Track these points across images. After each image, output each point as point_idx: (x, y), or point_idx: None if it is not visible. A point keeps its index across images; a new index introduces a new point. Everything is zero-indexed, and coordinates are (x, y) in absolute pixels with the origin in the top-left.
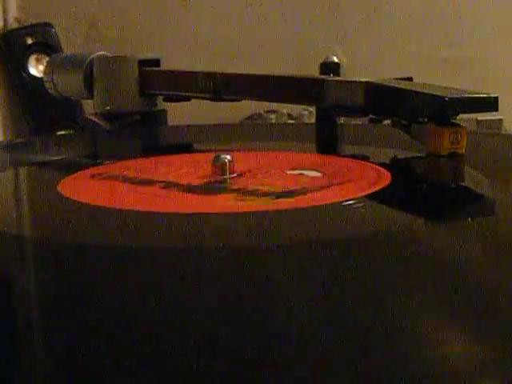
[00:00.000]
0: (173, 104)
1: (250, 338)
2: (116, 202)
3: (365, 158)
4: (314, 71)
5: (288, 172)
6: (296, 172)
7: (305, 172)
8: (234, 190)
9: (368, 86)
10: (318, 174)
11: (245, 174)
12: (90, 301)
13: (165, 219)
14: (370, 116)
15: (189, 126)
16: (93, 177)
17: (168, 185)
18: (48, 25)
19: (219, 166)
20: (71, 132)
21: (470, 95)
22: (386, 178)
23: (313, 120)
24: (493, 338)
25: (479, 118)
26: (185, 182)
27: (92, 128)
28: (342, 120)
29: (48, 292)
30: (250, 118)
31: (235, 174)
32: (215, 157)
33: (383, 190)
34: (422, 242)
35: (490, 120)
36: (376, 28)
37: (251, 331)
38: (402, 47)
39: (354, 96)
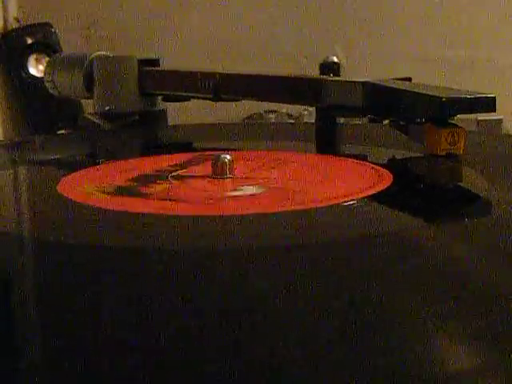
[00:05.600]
0: (173, 104)
1: (249, 342)
2: (115, 203)
3: (363, 158)
4: (314, 71)
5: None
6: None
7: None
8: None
9: (367, 86)
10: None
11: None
12: (88, 301)
13: (162, 220)
14: (369, 116)
15: (188, 125)
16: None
17: (166, 185)
18: (48, 25)
19: (219, 166)
20: (71, 132)
21: (468, 96)
22: (384, 179)
23: (312, 120)
24: (492, 338)
25: (479, 119)
26: (184, 181)
27: (91, 128)
28: (341, 120)
29: (46, 292)
30: (250, 117)
31: (233, 175)
32: (215, 157)
33: (381, 190)
34: (419, 242)
35: (490, 120)
36: (376, 28)
37: (252, 334)
38: (401, 47)
39: (353, 96)
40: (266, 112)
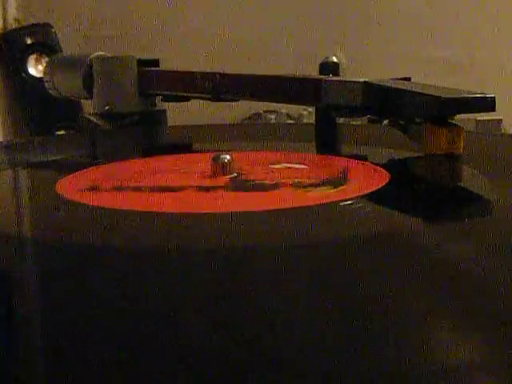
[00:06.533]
0: (172, 104)
1: (247, 341)
2: (115, 203)
3: (363, 158)
4: (313, 71)
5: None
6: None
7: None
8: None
9: (366, 86)
10: (305, 167)
11: (242, 173)
12: (86, 301)
13: (161, 219)
14: (369, 116)
15: (188, 126)
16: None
17: (166, 185)
18: (47, 25)
19: (219, 166)
20: (70, 132)
21: (467, 95)
22: (383, 178)
23: (312, 120)
24: (491, 338)
25: (478, 118)
26: (183, 182)
27: (91, 128)
28: (341, 120)
29: (45, 292)
30: (250, 118)
31: (234, 174)
32: (215, 156)
33: (381, 190)
34: (419, 242)
35: (489, 120)
36: (376, 28)
37: (251, 334)
38: (401, 47)
39: (352, 96)
40: (265, 112)
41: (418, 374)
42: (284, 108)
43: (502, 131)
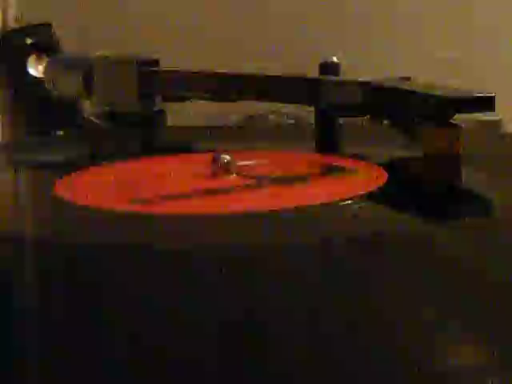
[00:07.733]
0: (172, 104)
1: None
2: (113, 204)
3: (363, 158)
4: (313, 72)
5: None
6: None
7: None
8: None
9: (365, 85)
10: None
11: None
12: (87, 302)
13: (161, 221)
14: (369, 116)
15: (188, 126)
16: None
17: (166, 186)
18: (48, 25)
19: (218, 166)
20: (70, 132)
21: (466, 95)
22: (383, 178)
23: (312, 120)
24: (491, 338)
25: (478, 118)
26: (183, 182)
27: (91, 128)
28: (340, 120)
29: (43, 294)
30: (250, 118)
31: (234, 174)
32: (214, 157)
33: (380, 189)
34: (418, 242)
35: (489, 120)
36: (376, 28)
37: (251, 335)
38: (401, 47)
39: (352, 96)
40: (266, 112)
41: (419, 375)
42: (284, 108)
43: (502, 131)
